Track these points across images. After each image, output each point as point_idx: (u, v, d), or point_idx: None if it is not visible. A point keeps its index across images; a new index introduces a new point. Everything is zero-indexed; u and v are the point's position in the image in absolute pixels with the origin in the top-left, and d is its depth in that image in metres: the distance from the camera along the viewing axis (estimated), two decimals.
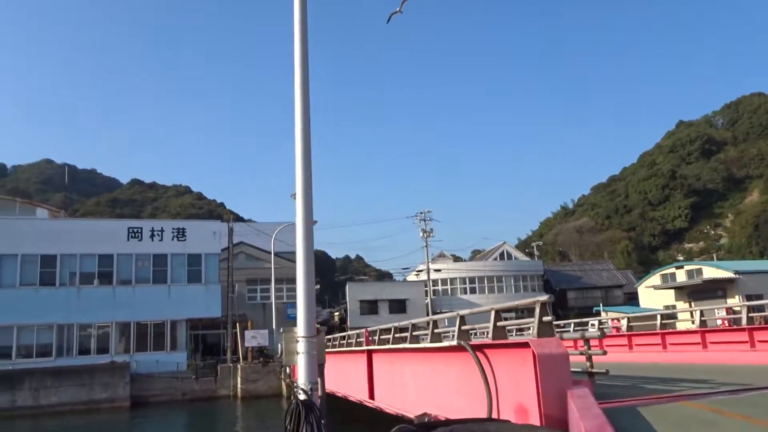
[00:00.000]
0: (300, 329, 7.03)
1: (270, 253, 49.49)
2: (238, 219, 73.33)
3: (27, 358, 32.33)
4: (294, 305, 39.59)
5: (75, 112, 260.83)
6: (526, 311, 19.29)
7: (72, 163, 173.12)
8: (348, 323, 49.77)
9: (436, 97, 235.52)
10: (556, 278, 57.53)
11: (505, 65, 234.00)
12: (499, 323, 9.86)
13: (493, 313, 9.77)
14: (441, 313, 49.89)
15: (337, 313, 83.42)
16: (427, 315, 48.61)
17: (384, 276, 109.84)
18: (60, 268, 33.86)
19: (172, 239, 36.01)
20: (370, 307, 49.87)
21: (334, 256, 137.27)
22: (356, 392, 17.20)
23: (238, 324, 36.34)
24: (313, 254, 7.26)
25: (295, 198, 7.45)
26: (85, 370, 31.15)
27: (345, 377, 19.04)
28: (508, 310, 10.29)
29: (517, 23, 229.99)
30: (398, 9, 9.67)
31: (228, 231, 37.46)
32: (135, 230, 35.53)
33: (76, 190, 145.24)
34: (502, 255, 58.40)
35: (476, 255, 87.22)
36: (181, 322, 35.46)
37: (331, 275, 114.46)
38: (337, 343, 23.09)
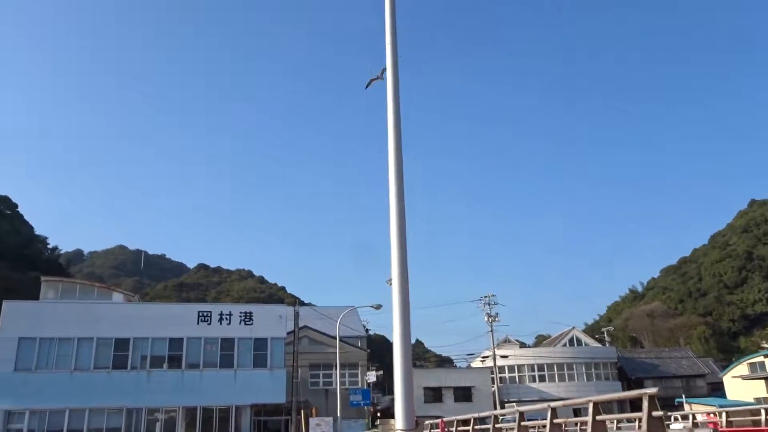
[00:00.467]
0: (399, 422, 6.68)
1: (333, 337, 49.20)
2: (299, 303, 73.76)
3: None
4: (357, 391, 38.71)
5: (146, 203, 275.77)
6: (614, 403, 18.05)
7: (143, 248, 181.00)
8: None
9: (496, 180, 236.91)
10: (630, 366, 54.31)
11: (561, 148, 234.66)
12: (599, 417, 9.17)
13: (591, 406, 9.13)
14: (508, 402, 47.67)
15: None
16: (494, 404, 46.50)
17: (445, 362, 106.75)
18: (132, 352, 34.45)
19: (240, 323, 36.27)
20: (434, 395, 48.14)
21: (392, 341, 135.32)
22: None
23: (302, 411, 35.58)
24: (410, 343, 7.00)
25: (390, 284, 7.29)
26: None
27: None
28: (609, 401, 9.59)
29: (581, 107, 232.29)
30: (379, 75, 9.60)
31: (294, 315, 37.52)
32: (204, 314, 36.04)
33: (146, 275, 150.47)
34: (571, 341, 55.88)
35: (541, 341, 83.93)
36: (245, 408, 35.03)
37: (391, 361, 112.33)
38: None
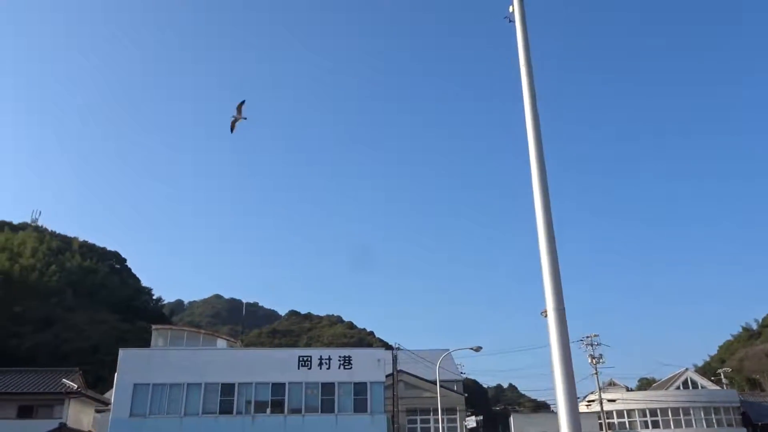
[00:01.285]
0: None
1: (429, 381, 48.15)
2: (387, 347, 73.02)
3: None
4: None
5: (239, 256, 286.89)
6: None
7: (237, 297, 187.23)
8: None
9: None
10: (756, 411, 49.46)
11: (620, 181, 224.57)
12: None
13: None
14: None
15: None
16: None
17: (540, 406, 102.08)
18: (237, 397, 35.02)
19: (339, 367, 36.17)
20: None
21: (485, 385, 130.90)
22: None
23: None
24: (574, 386, 6.40)
25: (545, 315, 6.79)
26: None
27: None
28: None
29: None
30: (242, 117, 9.61)
31: (392, 359, 37.06)
32: (305, 359, 36.27)
33: (241, 322, 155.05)
34: (685, 383, 51.81)
35: (646, 384, 78.52)
36: None
37: (485, 405, 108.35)
38: None
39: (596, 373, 46.09)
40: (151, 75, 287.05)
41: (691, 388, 50.68)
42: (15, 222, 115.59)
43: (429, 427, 46.31)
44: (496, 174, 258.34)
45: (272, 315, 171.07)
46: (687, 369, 53.44)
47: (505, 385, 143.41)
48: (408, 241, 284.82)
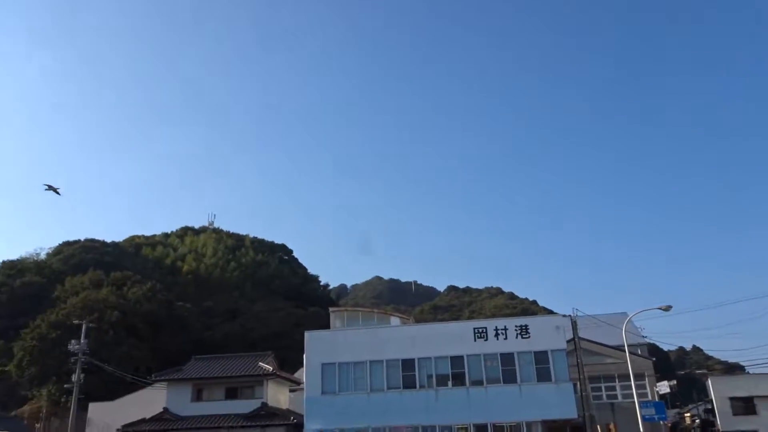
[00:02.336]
0: None
1: (610, 347, 45.49)
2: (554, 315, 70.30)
3: None
4: (648, 404, 34.68)
5: (400, 234, 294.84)
6: None
7: (396, 277, 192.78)
8: (719, 427, 42.00)
9: None
10: None
11: None
12: None
13: None
14: None
15: (688, 414, 71.79)
16: None
17: (733, 368, 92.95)
18: (418, 371, 35.64)
19: (516, 337, 35.39)
20: (745, 407, 41.52)
21: (665, 348, 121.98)
22: None
23: (598, 427, 33.14)
24: None
25: None
26: None
27: None
28: None
29: None
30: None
31: (572, 325, 35.47)
32: (480, 330, 35.93)
33: (400, 301, 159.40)
34: None
35: None
36: (536, 424, 33.79)
37: (668, 370, 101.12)
38: None
39: None
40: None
41: None
42: (196, 226, 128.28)
43: (615, 394, 43.81)
44: None
45: (431, 291, 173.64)
46: None
47: (689, 348, 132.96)
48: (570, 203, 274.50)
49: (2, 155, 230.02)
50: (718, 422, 42.24)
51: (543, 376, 34.44)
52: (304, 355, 37.46)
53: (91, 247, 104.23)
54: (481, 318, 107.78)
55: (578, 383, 35.80)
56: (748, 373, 61.95)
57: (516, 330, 35.53)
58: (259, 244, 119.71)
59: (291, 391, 44.57)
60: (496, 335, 35.60)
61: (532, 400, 33.89)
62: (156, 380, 41.76)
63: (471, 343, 35.70)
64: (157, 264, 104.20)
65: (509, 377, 34.75)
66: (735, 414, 41.41)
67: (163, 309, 74.92)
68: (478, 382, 35.05)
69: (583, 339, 44.48)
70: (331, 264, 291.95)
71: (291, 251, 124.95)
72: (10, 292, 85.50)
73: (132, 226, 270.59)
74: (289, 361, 58.14)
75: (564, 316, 37.44)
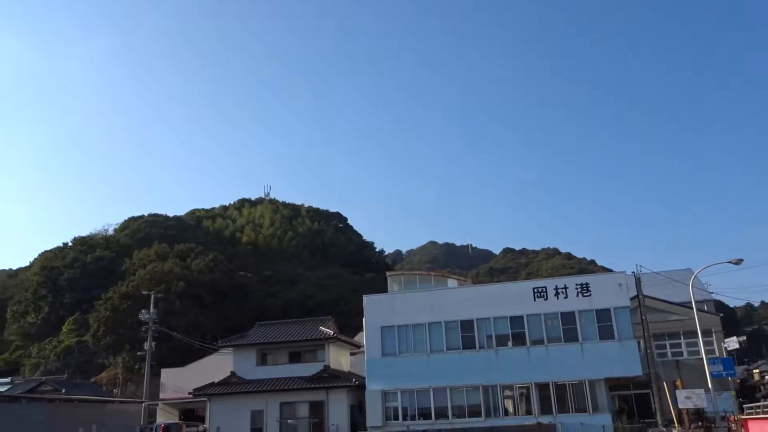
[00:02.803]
0: None
1: (674, 303, 44.16)
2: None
3: (461, 418, 34.30)
4: (716, 361, 33.49)
5: (449, 200, 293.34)
6: None
7: (451, 241, 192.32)
8: None
9: None
10: None
11: None
12: None
13: None
14: None
15: (757, 371, 69.84)
16: None
17: None
18: (477, 332, 35.59)
19: (577, 295, 34.73)
20: None
21: (732, 305, 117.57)
22: None
23: (665, 383, 32.38)
24: None
25: None
26: (515, 431, 31.31)
27: None
28: None
29: None
30: None
31: (636, 281, 34.46)
32: (540, 290, 35.44)
33: (457, 265, 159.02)
34: None
35: None
36: (599, 382, 33.32)
37: (735, 327, 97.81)
38: None
39: None
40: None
41: None
42: (252, 198, 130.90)
43: (680, 351, 42.67)
44: None
45: (486, 254, 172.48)
46: None
47: (756, 304, 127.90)
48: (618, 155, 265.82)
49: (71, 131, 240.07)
50: None
51: (606, 334, 33.79)
52: (364, 319, 37.98)
53: (155, 221, 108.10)
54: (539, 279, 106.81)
55: (642, 341, 34.98)
56: None
57: (577, 288, 34.84)
58: (315, 213, 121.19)
59: (352, 354, 45.38)
60: (556, 294, 35.04)
61: (595, 358, 33.37)
62: (222, 346, 43.26)
63: (530, 302, 35.30)
64: (217, 236, 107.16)
65: (571, 336, 34.28)
66: None
67: (225, 278, 77.26)
68: (538, 342, 34.75)
69: (647, 296, 43.30)
70: (386, 231, 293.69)
71: (345, 219, 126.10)
72: (82, 267, 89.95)
73: (191, 200, 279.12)
74: (349, 326, 59.06)
75: (626, 273, 36.24)
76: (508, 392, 34.93)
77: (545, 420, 32.24)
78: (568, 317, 34.55)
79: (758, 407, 26.36)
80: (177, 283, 68.74)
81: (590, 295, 34.50)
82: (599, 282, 35.12)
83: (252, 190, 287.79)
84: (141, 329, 49.72)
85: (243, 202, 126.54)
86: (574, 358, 33.73)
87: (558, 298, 34.93)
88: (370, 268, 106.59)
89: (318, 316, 47.76)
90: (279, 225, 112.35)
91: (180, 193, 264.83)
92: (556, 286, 35.34)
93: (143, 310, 49.38)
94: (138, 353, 54.55)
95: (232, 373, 40.59)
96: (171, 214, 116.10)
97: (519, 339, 35.14)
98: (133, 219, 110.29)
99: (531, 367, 34.21)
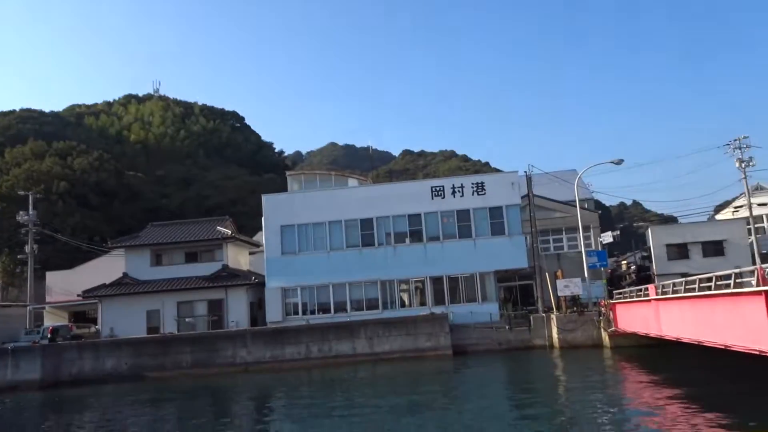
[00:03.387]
0: None
1: (559, 202, 47.02)
2: None
3: (359, 311, 35.54)
4: (593, 253, 36.54)
5: (348, 102, 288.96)
6: None
7: (351, 143, 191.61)
8: (654, 270, 45.06)
9: None
10: None
11: None
12: None
13: None
14: None
15: (625, 262, 77.16)
16: (752, 257, 41.51)
17: (668, 220, 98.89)
18: (377, 230, 36.31)
19: (472, 194, 36.01)
20: (679, 252, 44.44)
21: (607, 204, 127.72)
22: (746, 339, 14.31)
23: (547, 274, 35.00)
24: None
25: None
26: (410, 321, 32.88)
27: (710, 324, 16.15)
28: None
29: None
30: None
31: (527, 180, 36.07)
32: (437, 189, 36.33)
33: (356, 166, 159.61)
34: None
35: None
36: (489, 275, 35.48)
37: (609, 224, 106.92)
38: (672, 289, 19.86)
39: (744, 178, 42.72)
40: None
41: None
42: (140, 94, 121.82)
43: (562, 246, 46.07)
44: None
45: (386, 156, 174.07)
46: None
47: (628, 203, 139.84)
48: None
49: None
50: (654, 266, 45.25)
51: (497, 230, 35.61)
52: (263, 218, 37.51)
53: (28, 117, 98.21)
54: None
55: (529, 236, 37.24)
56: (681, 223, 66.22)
57: (472, 187, 36.06)
58: (210, 112, 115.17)
59: (251, 254, 45.11)
60: (453, 193, 36.10)
61: (486, 252, 35.26)
62: (113, 247, 41.41)
63: (428, 201, 36.23)
64: (101, 134, 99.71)
65: (465, 232, 35.82)
66: (670, 259, 44.31)
67: (113, 179, 72.88)
68: (434, 238, 36.07)
69: (536, 195, 45.83)
70: (286, 132, 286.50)
71: (243, 118, 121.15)
72: None
73: (70, 95, 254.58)
74: (247, 227, 58.27)
75: (518, 174, 37.80)
76: (404, 286, 36.52)
77: (438, 310, 34.08)
78: (463, 215, 35.93)
79: (623, 293, 29.40)
80: (58, 184, 64.01)
81: (485, 193, 35.87)
82: (493, 181, 36.49)
83: (138, 86, 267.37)
84: (20, 231, 46.31)
85: (129, 98, 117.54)
86: (467, 253, 35.46)
87: (455, 196, 36.04)
88: (269, 169, 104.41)
89: (215, 217, 46.57)
90: (171, 123, 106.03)
91: (56, 87, 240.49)
92: (453, 185, 36.36)
93: (21, 212, 45.77)
94: (19, 256, 51.15)
95: (125, 274, 39.20)
96: (47, 110, 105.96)
97: (416, 236, 36.28)
98: (2, 114, 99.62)
99: (427, 263, 35.67)
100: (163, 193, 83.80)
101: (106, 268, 42.62)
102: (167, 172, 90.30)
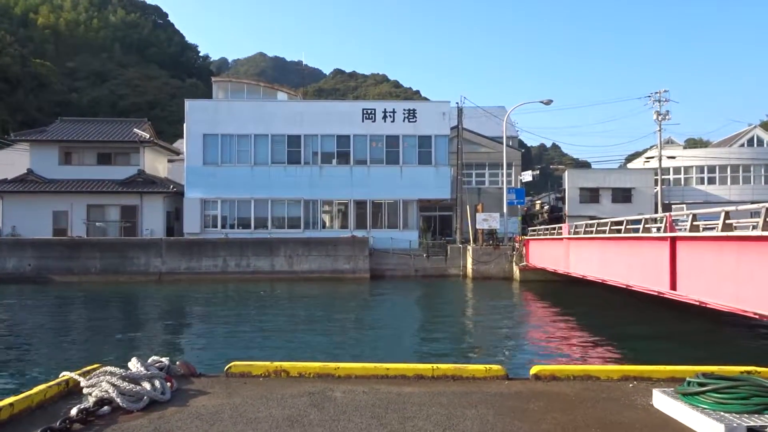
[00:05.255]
0: None
1: (486, 137, 47.80)
2: None
3: (280, 229, 35.25)
4: (512, 191, 37.70)
5: (282, 7, 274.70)
6: None
7: (281, 55, 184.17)
8: (566, 211, 47.29)
9: None
10: None
11: None
12: None
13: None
14: (671, 204, 45.21)
15: (539, 201, 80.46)
16: (656, 206, 44.35)
17: (581, 166, 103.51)
18: (304, 148, 35.56)
19: (404, 120, 35.72)
20: (591, 196, 46.71)
21: (528, 144, 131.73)
22: (647, 281, 15.37)
23: (468, 206, 35.86)
24: None
25: None
26: (330, 242, 33.05)
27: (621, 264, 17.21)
28: None
29: None
30: None
31: (458, 112, 36.17)
32: (369, 111, 35.75)
33: (285, 81, 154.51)
34: (750, 141, 50.33)
35: (702, 144, 77.37)
36: (412, 203, 35.91)
37: (528, 164, 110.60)
38: (592, 229, 20.98)
39: (659, 130, 44.79)
40: None
41: (756, 146, 49.28)
42: None
43: (483, 180, 47.20)
44: None
45: (317, 73, 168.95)
46: (754, 126, 51.30)
47: (548, 144, 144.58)
48: None
49: None
50: (566, 208, 47.46)
51: (424, 159, 35.78)
52: (185, 125, 35.70)
53: None
54: None
55: (455, 168, 37.77)
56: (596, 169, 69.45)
57: (404, 114, 35.73)
58: (130, 3, 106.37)
59: (170, 161, 43.27)
60: (384, 117, 35.68)
61: (411, 180, 35.50)
62: (17, 140, 38.32)
63: (359, 123, 35.66)
64: (5, 14, 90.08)
65: (392, 158, 35.77)
66: (581, 202, 46.53)
67: (16, 65, 66.60)
68: (362, 162, 35.85)
69: (465, 129, 46.33)
70: (212, 35, 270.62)
71: (166, 15, 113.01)
72: None
73: None
74: (166, 133, 55.59)
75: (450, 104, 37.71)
76: (327, 207, 36.41)
77: (359, 234, 34.37)
78: (392, 140, 35.74)
79: (536, 230, 30.73)
80: None
81: (416, 121, 35.70)
82: (425, 109, 36.29)
83: None
84: None
85: None
86: (393, 180, 35.58)
87: (386, 121, 35.66)
88: (192, 73, 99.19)
89: (132, 118, 43.91)
90: (84, 11, 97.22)
91: None
92: (385, 109, 35.90)
93: None
94: None
95: (30, 171, 36.59)
96: None
97: (344, 158, 35.91)
98: None
99: (352, 185, 35.54)
100: (74, 87, 77.96)
101: (8, 162, 39.62)
102: (79, 64, 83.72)
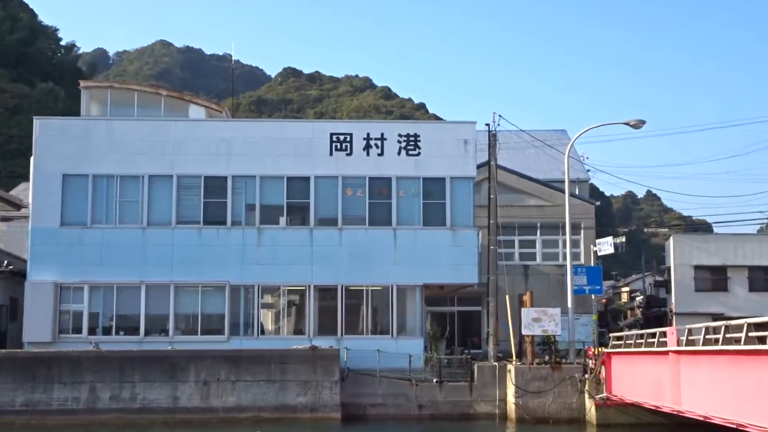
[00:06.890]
0: None
1: (536, 181, 48.17)
2: None
3: (190, 335, 35.25)
4: (580, 270, 37.81)
5: None
6: None
7: (196, 46, 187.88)
8: (673, 306, 47.40)
9: None
10: None
11: None
12: None
13: None
14: None
15: (626, 289, 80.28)
16: None
17: (697, 229, 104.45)
18: (232, 198, 35.77)
19: (399, 153, 36.07)
20: (714, 280, 47.08)
21: (608, 193, 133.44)
22: None
23: (507, 297, 35.76)
24: None
25: None
26: (275, 358, 32.46)
27: None
28: None
29: None
30: None
31: (489, 140, 36.48)
32: (341, 138, 35.91)
33: (203, 86, 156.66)
34: None
35: None
36: (413, 290, 35.93)
37: (608, 224, 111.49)
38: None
39: None
40: None
41: None
42: None
43: (534, 254, 47.36)
44: None
45: (256, 75, 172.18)
46: None
47: (640, 194, 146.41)
48: None
49: None
50: (673, 299, 47.53)
51: (434, 217, 36.14)
52: (32, 159, 35.94)
53: None
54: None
55: (484, 233, 37.80)
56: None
57: (400, 141, 36.21)
58: None
59: (4, 220, 43.31)
60: (367, 147, 36.16)
61: (413, 253, 35.74)
62: None
63: (324, 157, 36.19)
64: None
65: (380, 216, 36.00)
66: (698, 290, 46.69)
67: None
68: (329, 221, 36.17)
69: (501, 167, 46.64)
70: (84, 16, 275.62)
71: None
72: None
73: None
74: (1, 172, 55.68)
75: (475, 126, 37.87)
76: (270, 298, 36.47)
77: (325, 343, 33.97)
78: (380, 185, 36.10)
79: (623, 337, 30.54)
80: None
81: (418, 153, 36.13)
82: (436, 135, 36.87)
83: None
84: None
85: None
86: (382, 252, 35.70)
87: (369, 153, 36.10)
88: (48, 74, 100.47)
89: None
90: None
91: None
92: (369, 134, 36.33)
93: None
94: None
95: None
96: None
97: (299, 214, 36.23)
98: None
99: (312, 261, 35.63)
100: None
101: None
102: None
